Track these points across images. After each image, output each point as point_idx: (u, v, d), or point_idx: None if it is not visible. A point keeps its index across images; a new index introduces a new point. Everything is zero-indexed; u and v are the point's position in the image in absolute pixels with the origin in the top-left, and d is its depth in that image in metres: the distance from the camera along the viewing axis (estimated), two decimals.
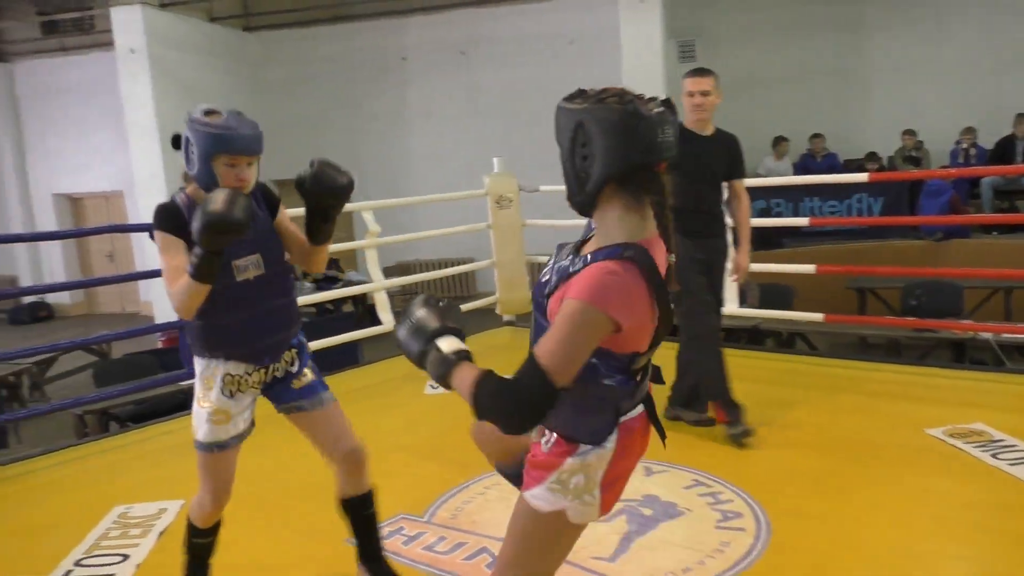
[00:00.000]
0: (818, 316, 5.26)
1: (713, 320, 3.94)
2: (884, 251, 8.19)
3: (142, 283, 12.15)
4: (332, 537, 2.98)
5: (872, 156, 9.58)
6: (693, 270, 3.72)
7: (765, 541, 2.78)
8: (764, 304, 6.05)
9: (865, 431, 3.78)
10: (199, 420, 2.34)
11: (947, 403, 4.05)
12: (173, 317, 7.38)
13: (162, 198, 9.69)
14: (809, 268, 5.39)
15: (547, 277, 1.63)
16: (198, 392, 2.34)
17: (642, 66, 8.79)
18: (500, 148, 7.55)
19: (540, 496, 1.65)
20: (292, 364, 2.43)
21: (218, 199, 2.06)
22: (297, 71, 12.13)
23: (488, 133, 11.24)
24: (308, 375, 2.45)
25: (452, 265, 10.11)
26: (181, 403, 5.37)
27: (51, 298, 14.06)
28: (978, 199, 9.29)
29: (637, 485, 3.29)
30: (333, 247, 8.77)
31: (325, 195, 2.34)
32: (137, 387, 5.21)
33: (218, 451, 2.34)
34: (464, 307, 6.63)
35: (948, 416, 3.83)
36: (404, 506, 3.23)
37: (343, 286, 9.25)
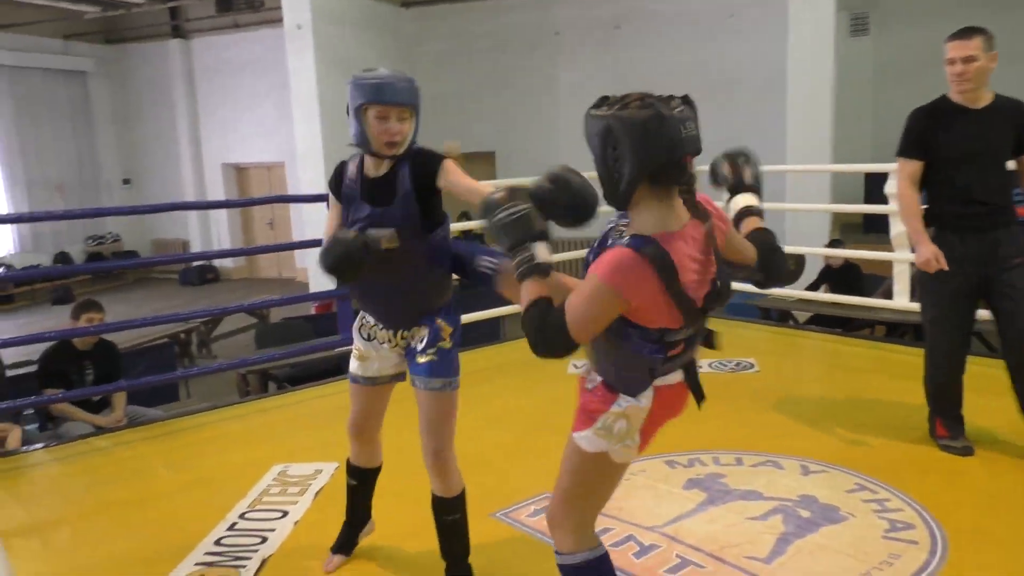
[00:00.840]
0: None
1: (944, 350, 3.37)
2: None
3: (298, 251, 12.78)
4: (481, 508, 3.00)
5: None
6: (952, 276, 3.20)
7: (942, 558, 2.55)
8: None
9: None
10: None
11: None
12: (328, 284, 7.73)
13: (320, 170, 10.21)
14: None
15: (596, 245, 1.82)
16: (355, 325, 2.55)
17: (810, 41, 8.29)
18: None
19: (587, 438, 1.89)
20: (420, 340, 2.41)
21: (335, 250, 2.17)
22: (451, 46, 12.32)
23: None
24: (430, 355, 2.38)
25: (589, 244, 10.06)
26: (335, 368, 5.60)
27: (217, 262, 15.08)
28: None
29: (793, 484, 3.12)
30: (476, 224, 8.84)
31: (561, 215, 1.85)
32: (295, 351, 5.46)
33: (352, 383, 2.54)
34: None
35: None
36: (548, 485, 3.19)
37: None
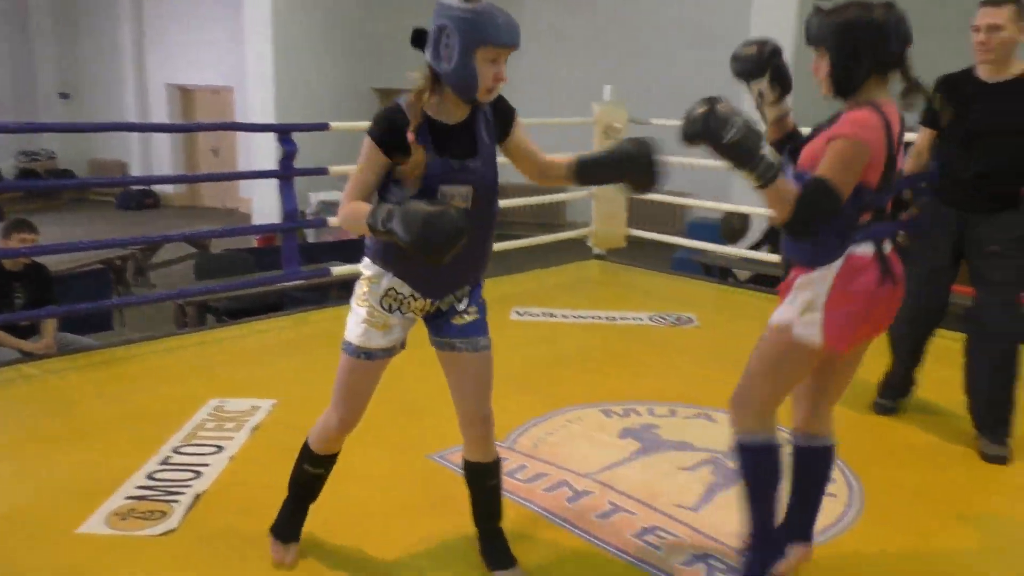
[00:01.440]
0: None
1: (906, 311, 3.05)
2: None
3: (243, 181, 12.47)
4: (419, 452, 3.04)
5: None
6: (935, 245, 3.19)
7: (858, 510, 2.68)
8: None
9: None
10: (354, 319, 2.12)
11: None
12: (273, 217, 7.57)
13: (270, 97, 9.81)
14: None
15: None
16: (359, 290, 2.12)
17: (776, 2, 8.28)
18: (612, 77, 7.30)
19: (777, 313, 2.07)
20: (460, 300, 2.17)
21: (436, 228, 1.78)
22: None
23: (600, 61, 10.90)
24: (472, 314, 2.18)
25: (544, 193, 10.02)
26: (276, 303, 5.53)
27: (157, 187, 14.63)
28: None
29: (723, 437, 3.19)
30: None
31: (638, 183, 2.05)
32: (237, 284, 5.36)
33: (365, 359, 2.12)
34: (555, 237, 6.56)
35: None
36: None
37: None
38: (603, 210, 6.43)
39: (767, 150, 1.92)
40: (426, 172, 1.94)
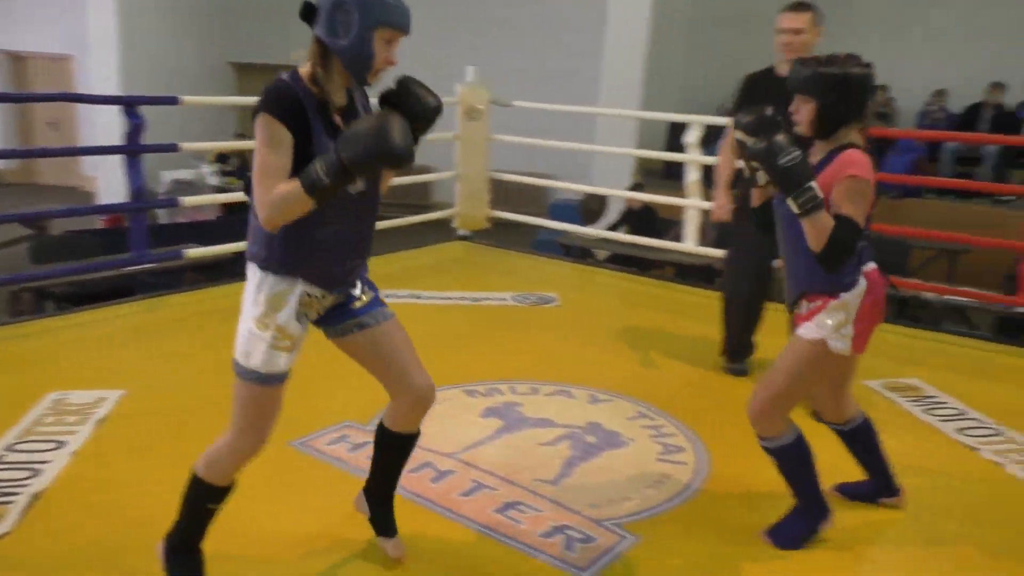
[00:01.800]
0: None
1: (745, 286, 3.77)
2: (914, 210, 8.26)
3: (86, 157, 11.67)
4: (280, 439, 2.97)
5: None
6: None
7: (705, 475, 2.85)
8: (720, 244, 6.08)
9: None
10: (254, 344, 1.94)
11: (887, 357, 4.15)
12: (118, 196, 7.12)
13: (114, 67, 9.25)
14: None
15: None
16: (257, 311, 1.95)
17: None
18: (473, 58, 7.31)
19: (809, 329, 2.29)
20: (354, 286, 2.13)
21: (394, 127, 1.73)
22: None
23: (461, 41, 10.89)
24: (368, 294, 2.15)
25: (409, 173, 9.94)
26: (124, 288, 5.23)
27: None
28: (938, 162, 9.41)
29: (582, 412, 3.34)
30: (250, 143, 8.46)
31: (413, 116, 1.92)
32: (80, 268, 5.04)
33: (276, 384, 1.98)
34: (420, 218, 6.54)
35: (886, 370, 3.94)
36: (349, 413, 3.22)
37: None
38: (467, 191, 6.46)
39: (815, 185, 2.11)
40: (319, 151, 1.83)
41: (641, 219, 6.88)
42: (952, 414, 3.49)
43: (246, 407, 2.00)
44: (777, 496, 2.73)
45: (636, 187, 7.29)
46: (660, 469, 2.88)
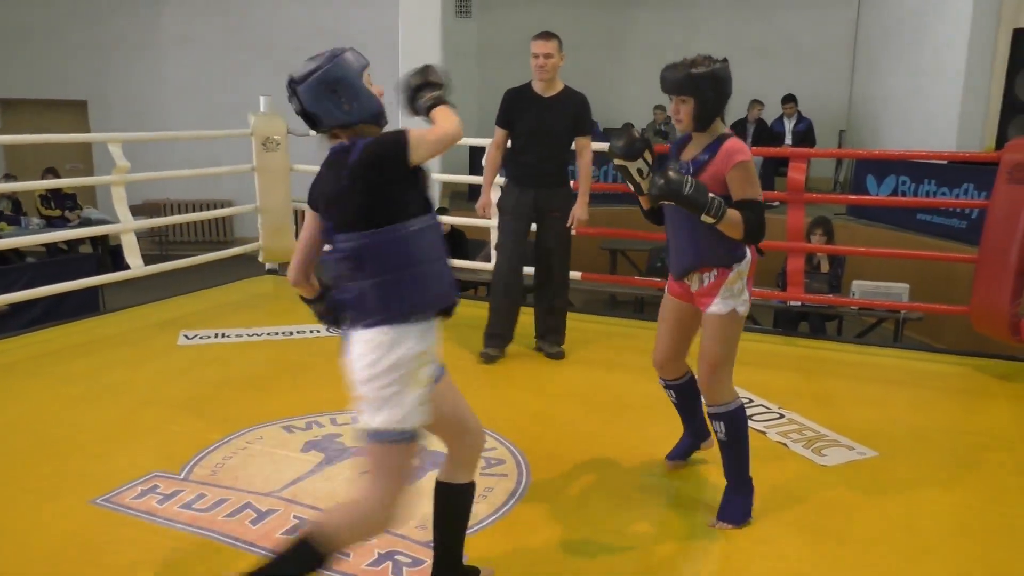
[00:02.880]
0: (576, 274, 5.59)
1: (504, 264, 4.36)
2: (634, 216, 8.83)
3: None
4: (80, 498, 2.76)
5: (628, 127, 10.28)
6: (519, 216, 4.26)
7: (526, 485, 2.94)
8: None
9: (614, 385, 4.11)
10: (409, 401, 1.90)
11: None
12: None
13: None
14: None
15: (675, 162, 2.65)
16: (416, 366, 1.91)
17: (418, 18, 8.71)
18: (267, 87, 7.15)
19: (719, 304, 2.60)
20: None
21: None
22: None
23: (254, 70, 10.59)
24: None
25: (208, 208, 9.52)
26: None
27: None
28: None
29: None
30: (70, 181, 7.97)
31: None
32: None
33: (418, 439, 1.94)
34: (223, 254, 6.29)
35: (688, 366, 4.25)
36: (158, 463, 3.05)
37: (80, 225, 8.39)
38: (270, 224, 6.28)
39: (714, 195, 2.40)
40: None
41: (450, 242, 6.98)
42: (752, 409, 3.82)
43: (397, 468, 1.97)
44: (593, 497, 2.89)
45: (441, 211, 7.40)
46: (484, 483, 2.94)
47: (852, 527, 2.70)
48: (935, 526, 2.72)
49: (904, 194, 8.02)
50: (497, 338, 4.43)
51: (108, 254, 8.72)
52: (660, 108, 10.64)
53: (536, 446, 3.28)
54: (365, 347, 1.93)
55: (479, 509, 2.74)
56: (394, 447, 1.90)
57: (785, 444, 3.36)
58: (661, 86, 2.54)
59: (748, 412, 3.65)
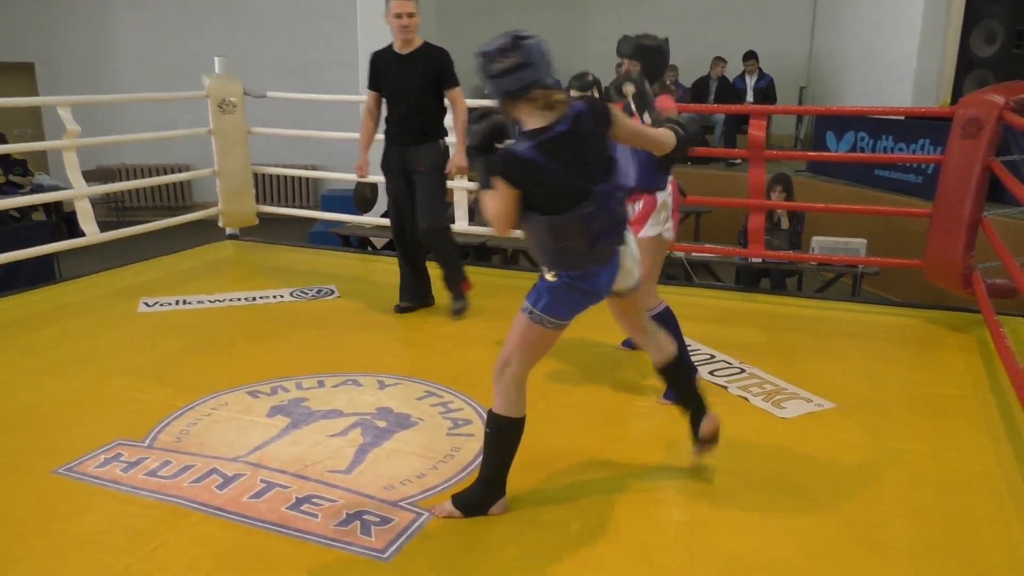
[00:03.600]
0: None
1: (393, 221, 4.51)
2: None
3: None
4: (43, 468, 2.74)
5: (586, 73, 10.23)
6: (392, 173, 4.39)
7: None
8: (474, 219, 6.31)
9: (583, 343, 4.13)
10: None
11: None
12: None
13: None
14: None
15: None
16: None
17: None
18: (223, 49, 6.99)
19: (647, 229, 3.21)
20: None
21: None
22: None
23: (209, 32, 10.33)
24: None
25: (165, 172, 9.33)
26: None
27: None
28: None
29: (370, 399, 3.36)
30: (19, 147, 7.79)
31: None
32: None
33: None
34: (182, 219, 6.18)
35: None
36: (122, 431, 3.02)
37: (32, 191, 8.19)
38: (229, 188, 6.19)
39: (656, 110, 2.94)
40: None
41: None
42: (704, 359, 3.89)
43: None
44: (560, 453, 2.93)
45: None
46: (451, 443, 2.97)
47: (810, 477, 2.78)
48: (891, 475, 2.81)
49: (863, 150, 8.11)
50: (404, 291, 4.63)
51: (62, 221, 8.54)
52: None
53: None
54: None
55: (445, 469, 2.77)
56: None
57: (746, 398, 3.43)
58: (617, 50, 3.23)
59: (711, 368, 3.76)
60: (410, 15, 4.14)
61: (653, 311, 3.17)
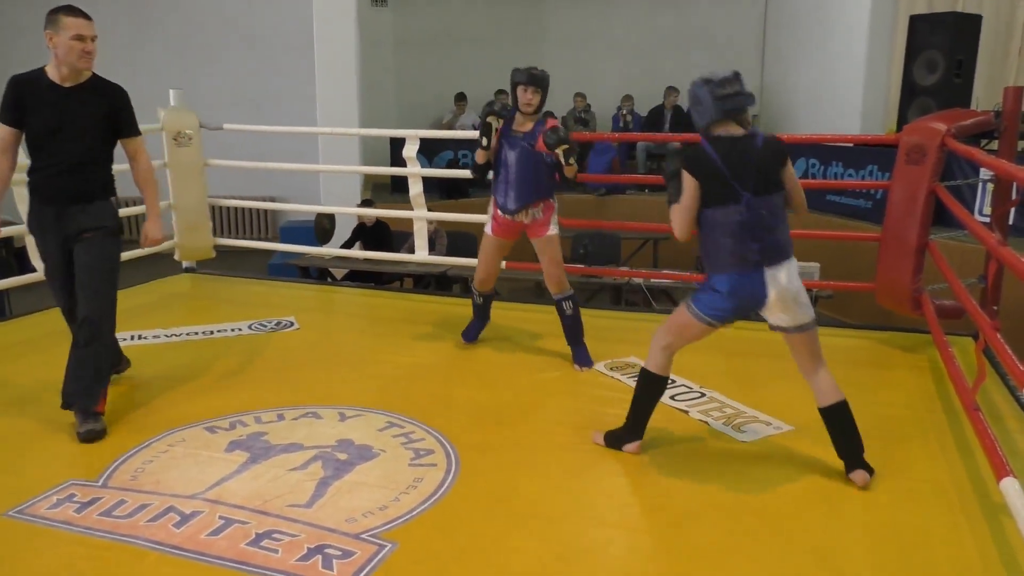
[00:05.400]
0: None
1: (65, 299, 3.48)
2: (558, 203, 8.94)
3: None
4: None
5: (548, 115, 10.37)
6: (49, 243, 3.41)
7: (456, 473, 2.96)
8: (452, 251, 6.33)
9: (539, 369, 4.16)
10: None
11: (608, 340, 4.57)
12: None
13: None
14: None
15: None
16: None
17: (334, 5, 8.56)
18: (177, 81, 6.95)
19: (553, 229, 4.10)
20: None
21: None
22: None
23: (164, 64, 10.27)
24: None
25: (119, 206, 9.19)
26: None
27: None
28: (634, 160, 10.48)
29: (331, 431, 3.32)
30: None
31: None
32: None
33: None
34: (137, 253, 6.08)
35: (607, 351, 4.34)
36: (75, 471, 2.95)
37: None
38: (185, 221, 6.12)
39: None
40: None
41: (374, 234, 6.93)
42: None
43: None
44: (523, 482, 2.93)
45: (366, 203, 7.33)
46: (413, 474, 2.95)
47: (770, 501, 2.81)
48: (847, 496, 2.85)
49: (814, 176, 8.32)
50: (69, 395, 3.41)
51: (13, 256, 8.35)
52: (580, 95, 10.75)
53: (464, 436, 3.30)
54: (795, 270, 2.86)
55: (407, 500, 2.75)
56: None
57: (706, 422, 3.46)
58: (518, 78, 3.96)
59: (671, 392, 3.79)
60: (93, 38, 3.27)
61: (567, 294, 4.16)
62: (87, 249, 3.35)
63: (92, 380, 3.33)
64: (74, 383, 3.32)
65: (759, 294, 2.79)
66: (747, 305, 2.85)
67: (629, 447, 3.09)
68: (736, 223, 2.76)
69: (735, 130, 2.82)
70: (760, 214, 2.75)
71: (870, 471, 2.87)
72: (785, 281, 2.78)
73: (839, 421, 2.92)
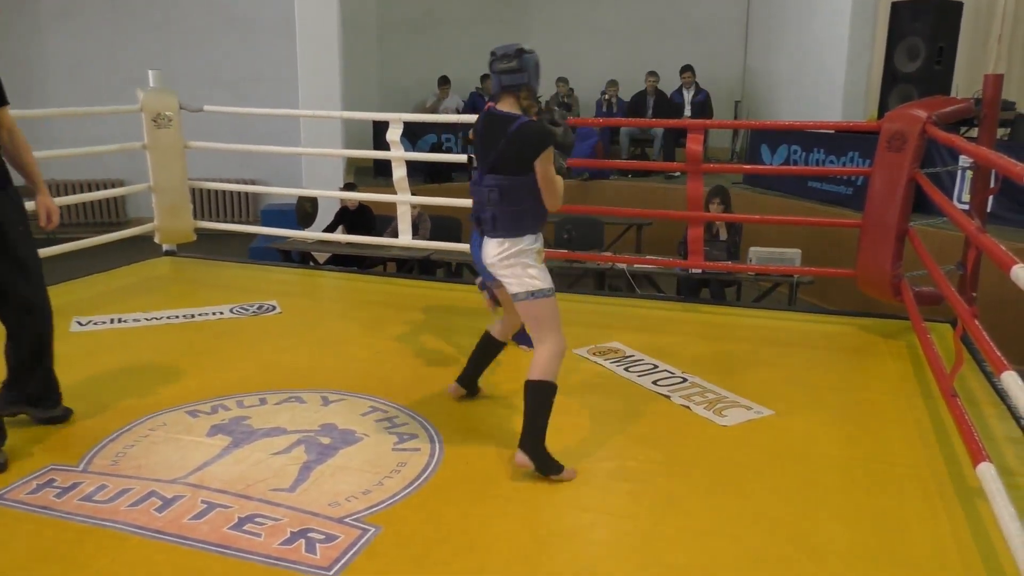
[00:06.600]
0: None
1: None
2: None
3: None
4: None
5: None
6: None
7: (439, 458, 2.97)
8: (435, 236, 6.31)
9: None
10: (542, 273, 2.88)
11: (591, 325, 4.59)
12: None
13: None
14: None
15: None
16: (530, 258, 2.87)
17: None
18: (156, 62, 6.86)
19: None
20: None
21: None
22: None
23: (143, 45, 10.12)
24: None
25: (98, 188, 9.08)
26: None
27: None
28: (617, 145, 10.47)
29: (314, 416, 3.32)
30: None
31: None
32: None
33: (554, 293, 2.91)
34: (116, 235, 6.03)
35: (590, 337, 4.35)
36: (54, 456, 2.93)
37: None
38: (165, 203, 6.05)
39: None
40: None
41: (357, 218, 6.88)
42: (647, 369, 3.95)
43: (551, 314, 2.89)
44: (506, 466, 2.94)
45: (349, 187, 7.27)
46: (397, 459, 2.96)
47: (751, 483, 2.84)
48: (827, 478, 2.89)
49: (796, 163, 8.35)
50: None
51: None
52: (562, 80, 10.72)
53: (448, 420, 3.30)
54: (496, 247, 2.91)
55: (390, 484, 2.76)
56: (544, 301, 2.88)
57: (688, 407, 3.49)
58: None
59: (654, 378, 3.81)
60: None
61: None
62: (20, 239, 3.06)
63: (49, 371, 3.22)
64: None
65: (477, 256, 3.06)
66: (479, 262, 3.09)
67: (566, 473, 2.84)
68: (473, 191, 3.00)
69: (508, 107, 2.89)
70: (482, 191, 2.91)
71: (535, 461, 2.81)
72: (492, 253, 2.94)
73: (529, 399, 2.88)
